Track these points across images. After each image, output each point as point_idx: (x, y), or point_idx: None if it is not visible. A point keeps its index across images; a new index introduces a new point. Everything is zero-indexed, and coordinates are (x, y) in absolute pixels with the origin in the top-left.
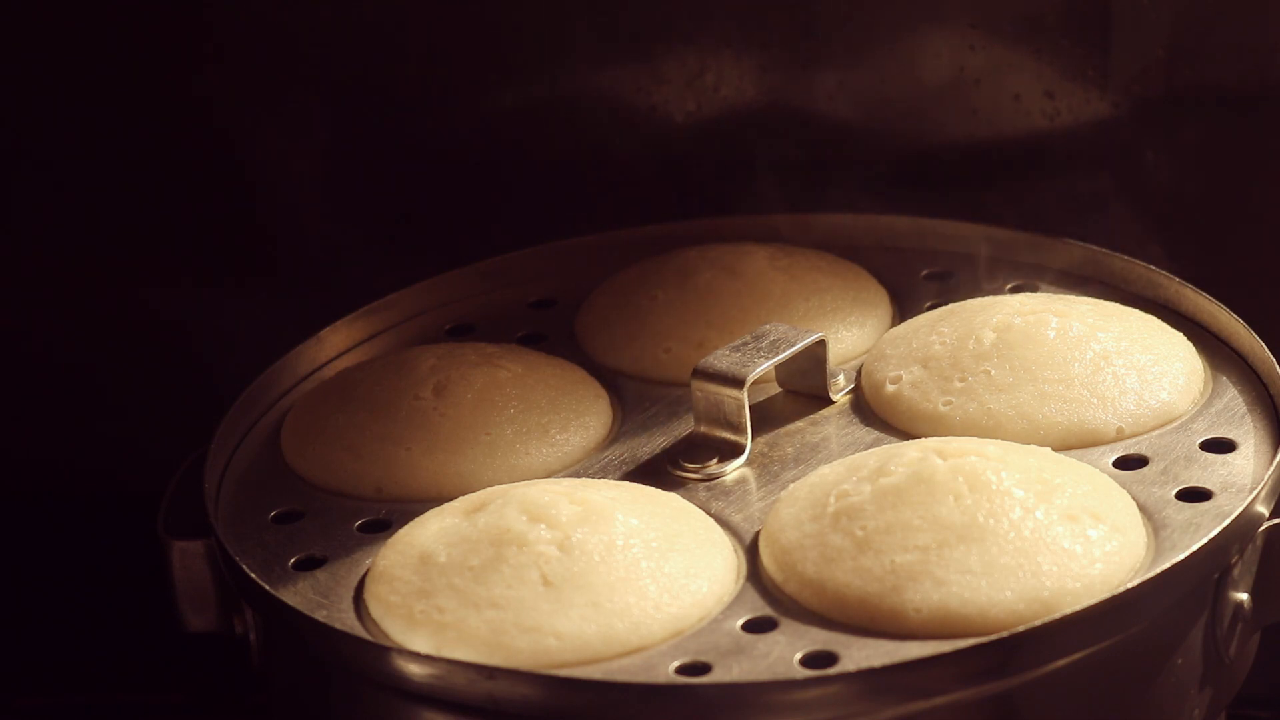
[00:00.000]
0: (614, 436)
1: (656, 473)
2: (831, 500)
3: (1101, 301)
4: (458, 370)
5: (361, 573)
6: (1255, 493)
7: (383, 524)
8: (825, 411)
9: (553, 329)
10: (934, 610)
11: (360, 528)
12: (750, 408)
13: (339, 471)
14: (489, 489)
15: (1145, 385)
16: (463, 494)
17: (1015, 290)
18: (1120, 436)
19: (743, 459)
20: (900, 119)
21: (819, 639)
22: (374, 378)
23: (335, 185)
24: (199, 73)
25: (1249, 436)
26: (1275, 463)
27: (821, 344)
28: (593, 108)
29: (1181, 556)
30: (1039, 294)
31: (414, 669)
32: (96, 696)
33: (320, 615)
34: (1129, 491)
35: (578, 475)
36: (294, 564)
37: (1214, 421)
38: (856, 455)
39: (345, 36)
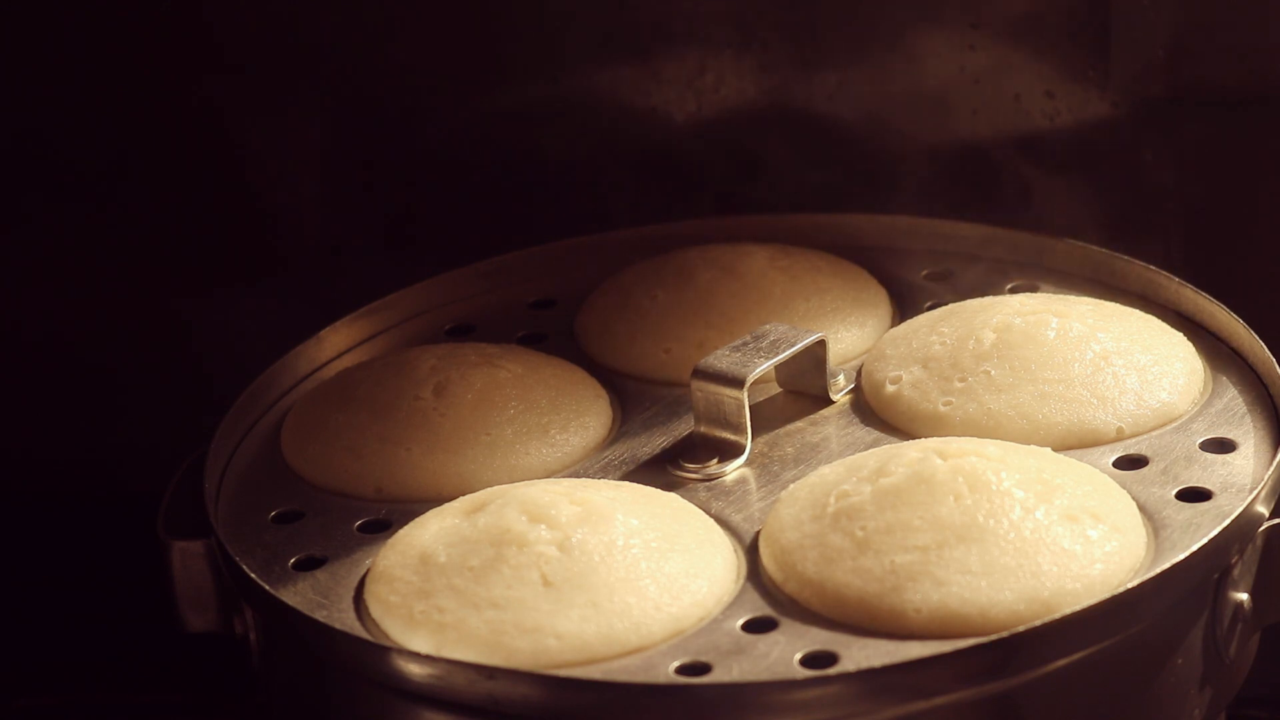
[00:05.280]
0: (614, 436)
1: (656, 473)
2: (831, 500)
3: (1101, 301)
4: (458, 370)
5: (361, 573)
6: (1255, 493)
7: (383, 524)
8: (825, 411)
9: (553, 329)
10: (934, 610)
11: (360, 528)
12: (750, 408)
13: (339, 471)
14: (489, 489)
15: (1145, 385)
16: (463, 494)
17: (1015, 290)
18: (1120, 436)
19: (743, 459)
20: (900, 119)
21: (819, 639)
22: (374, 378)
23: (335, 185)
24: (200, 74)
25: (1249, 436)
26: (1275, 463)
27: (821, 344)
28: (593, 108)
29: (1181, 556)
30: (1039, 294)
31: (414, 669)
32: (96, 696)
33: (320, 615)
34: (1129, 491)
35: (578, 475)
36: (294, 564)
37: (1214, 421)
38: (856, 455)
39: (345, 37)
